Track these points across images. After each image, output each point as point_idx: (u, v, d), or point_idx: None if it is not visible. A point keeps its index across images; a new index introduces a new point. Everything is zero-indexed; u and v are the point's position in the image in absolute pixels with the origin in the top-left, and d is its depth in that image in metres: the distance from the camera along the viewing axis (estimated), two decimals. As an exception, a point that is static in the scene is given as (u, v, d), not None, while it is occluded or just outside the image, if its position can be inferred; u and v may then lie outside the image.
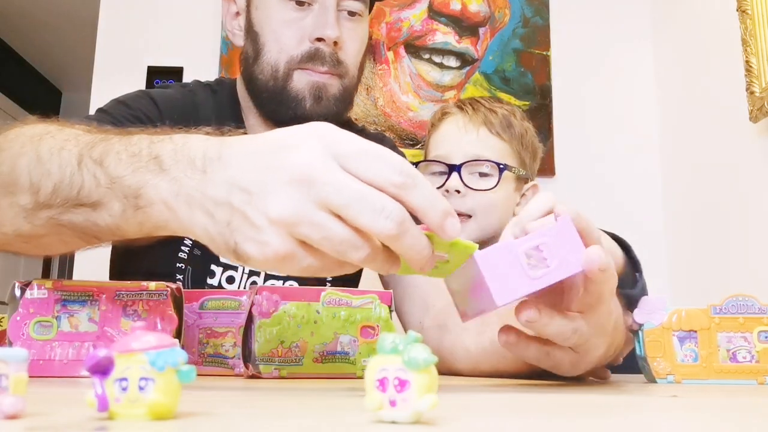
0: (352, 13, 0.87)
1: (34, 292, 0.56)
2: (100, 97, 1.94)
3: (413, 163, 1.07)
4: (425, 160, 1.17)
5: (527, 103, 2.06)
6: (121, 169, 0.48)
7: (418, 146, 2.00)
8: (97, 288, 0.57)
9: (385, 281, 0.96)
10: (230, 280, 0.88)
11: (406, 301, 0.87)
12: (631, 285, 0.70)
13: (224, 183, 0.43)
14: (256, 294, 0.60)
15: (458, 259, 0.43)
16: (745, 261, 1.61)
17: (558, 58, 2.11)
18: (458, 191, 1.08)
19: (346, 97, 0.88)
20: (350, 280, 0.97)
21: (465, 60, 2.10)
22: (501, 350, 0.67)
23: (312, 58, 0.83)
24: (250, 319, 0.60)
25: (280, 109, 0.86)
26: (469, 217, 1.09)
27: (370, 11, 0.92)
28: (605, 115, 2.10)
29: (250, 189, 0.42)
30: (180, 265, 0.86)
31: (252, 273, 0.89)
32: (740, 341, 0.60)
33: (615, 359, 0.66)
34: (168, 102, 0.89)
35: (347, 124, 0.95)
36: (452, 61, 2.10)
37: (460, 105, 1.17)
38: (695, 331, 0.61)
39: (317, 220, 0.40)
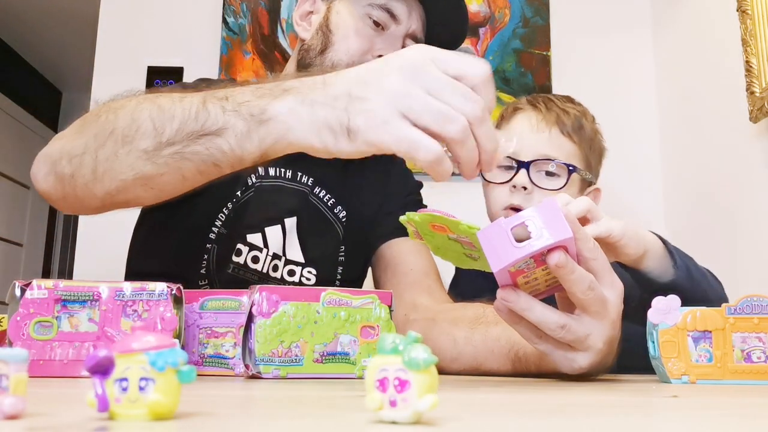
0: None
1: (34, 292, 0.56)
2: (100, 97, 1.94)
3: None
4: None
5: (527, 103, 2.05)
6: (247, 96, 0.57)
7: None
8: (97, 288, 0.57)
9: (377, 283, 0.97)
10: (255, 259, 0.90)
11: (395, 300, 0.88)
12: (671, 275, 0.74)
13: (344, 83, 0.53)
14: (257, 294, 0.60)
15: (476, 242, 0.52)
16: (745, 261, 1.61)
17: (558, 58, 2.10)
18: (525, 188, 1.05)
19: None
20: (353, 281, 0.98)
21: (465, 60, 2.10)
22: (489, 347, 0.71)
23: None
24: (250, 319, 0.60)
25: None
26: None
27: None
28: (605, 115, 2.08)
29: (366, 79, 0.53)
30: (208, 246, 0.90)
31: (276, 257, 0.91)
32: (755, 341, 0.60)
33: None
34: None
35: None
36: (452, 61, 2.10)
37: (533, 102, 1.14)
38: (710, 332, 0.60)
39: (419, 94, 0.50)
